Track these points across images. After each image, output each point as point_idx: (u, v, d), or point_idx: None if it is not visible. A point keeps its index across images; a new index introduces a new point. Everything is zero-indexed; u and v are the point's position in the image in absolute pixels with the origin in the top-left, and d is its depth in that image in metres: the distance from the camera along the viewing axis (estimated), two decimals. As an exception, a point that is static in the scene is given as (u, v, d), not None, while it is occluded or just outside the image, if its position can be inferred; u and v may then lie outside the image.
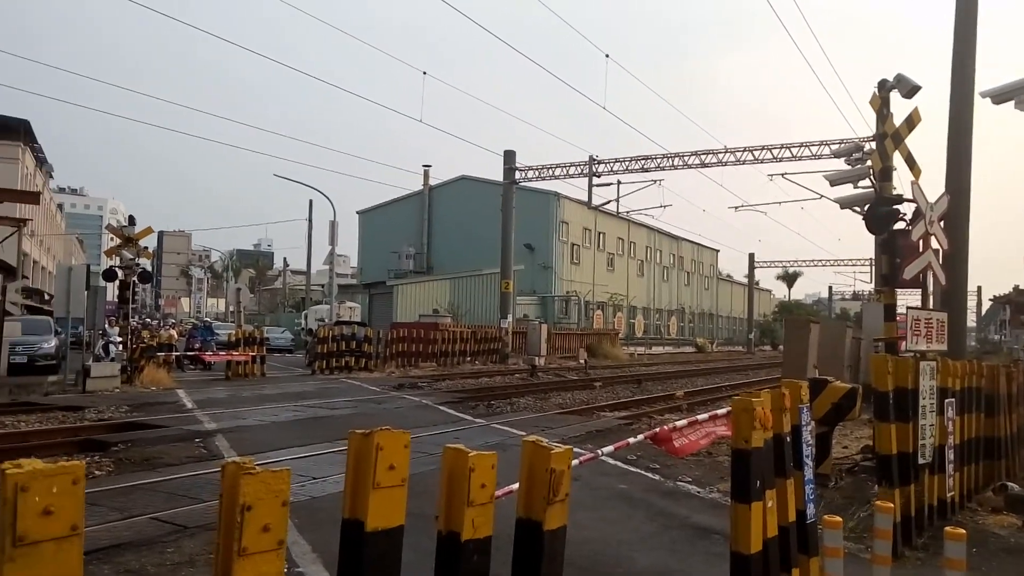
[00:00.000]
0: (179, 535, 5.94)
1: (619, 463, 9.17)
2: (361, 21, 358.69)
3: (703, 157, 31.66)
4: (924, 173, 8.98)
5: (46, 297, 40.99)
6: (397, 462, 2.05)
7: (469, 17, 41.36)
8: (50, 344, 23.14)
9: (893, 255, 8.57)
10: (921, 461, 6.08)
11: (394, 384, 20.61)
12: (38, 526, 1.37)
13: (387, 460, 2.02)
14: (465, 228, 49.68)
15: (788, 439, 3.90)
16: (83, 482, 1.43)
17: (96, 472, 8.60)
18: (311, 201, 72.68)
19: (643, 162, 32.86)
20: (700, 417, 4.57)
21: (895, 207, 8.55)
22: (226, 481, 1.70)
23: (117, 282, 20.33)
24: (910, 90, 9.05)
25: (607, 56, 29.01)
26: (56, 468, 1.39)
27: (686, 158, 32.08)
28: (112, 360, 18.67)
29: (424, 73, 27.97)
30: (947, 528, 4.25)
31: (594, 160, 33.78)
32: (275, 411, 14.06)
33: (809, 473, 4.17)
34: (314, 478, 7.90)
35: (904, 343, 7.39)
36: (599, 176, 33.90)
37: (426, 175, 55.04)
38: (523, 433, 11.28)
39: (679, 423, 4.47)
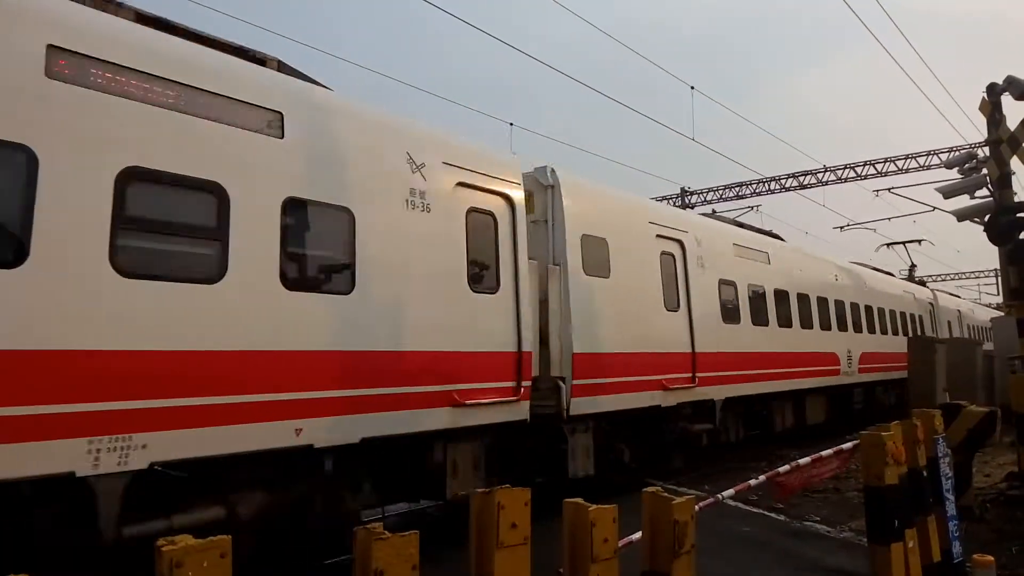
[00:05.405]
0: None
1: (740, 504, 8.80)
2: (450, 81, 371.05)
3: (801, 178, 30.68)
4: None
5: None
6: (519, 520, 2.05)
7: (553, 67, 42.14)
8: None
9: (1022, 266, 8.01)
10: (1079, 489, 5.57)
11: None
12: (192, 599, 1.45)
13: (509, 519, 2.03)
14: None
15: (925, 473, 3.67)
16: (230, 555, 1.50)
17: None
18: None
19: (737, 189, 32.16)
20: (824, 453, 4.37)
21: (1019, 215, 8.01)
22: (358, 547, 1.75)
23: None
24: (1023, 92, 8.53)
25: (692, 88, 28.76)
26: (206, 543, 1.47)
27: (783, 181, 31.17)
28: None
29: (511, 124, 28.73)
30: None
31: (686, 191, 33.36)
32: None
33: (952, 508, 3.90)
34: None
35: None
36: (692, 207, 33.41)
37: (518, 221, 55.64)
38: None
39: (802, 461, 4.29)
